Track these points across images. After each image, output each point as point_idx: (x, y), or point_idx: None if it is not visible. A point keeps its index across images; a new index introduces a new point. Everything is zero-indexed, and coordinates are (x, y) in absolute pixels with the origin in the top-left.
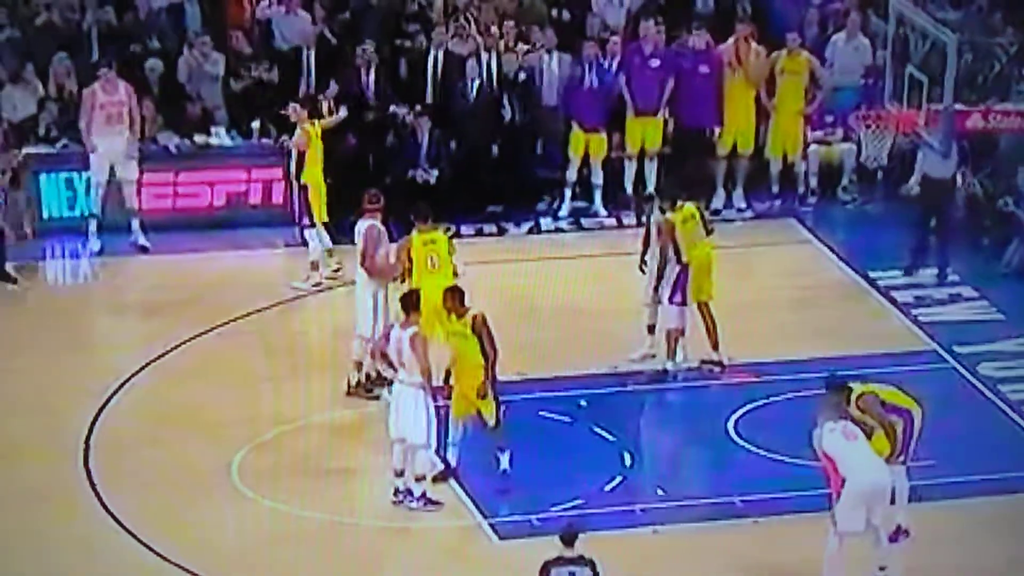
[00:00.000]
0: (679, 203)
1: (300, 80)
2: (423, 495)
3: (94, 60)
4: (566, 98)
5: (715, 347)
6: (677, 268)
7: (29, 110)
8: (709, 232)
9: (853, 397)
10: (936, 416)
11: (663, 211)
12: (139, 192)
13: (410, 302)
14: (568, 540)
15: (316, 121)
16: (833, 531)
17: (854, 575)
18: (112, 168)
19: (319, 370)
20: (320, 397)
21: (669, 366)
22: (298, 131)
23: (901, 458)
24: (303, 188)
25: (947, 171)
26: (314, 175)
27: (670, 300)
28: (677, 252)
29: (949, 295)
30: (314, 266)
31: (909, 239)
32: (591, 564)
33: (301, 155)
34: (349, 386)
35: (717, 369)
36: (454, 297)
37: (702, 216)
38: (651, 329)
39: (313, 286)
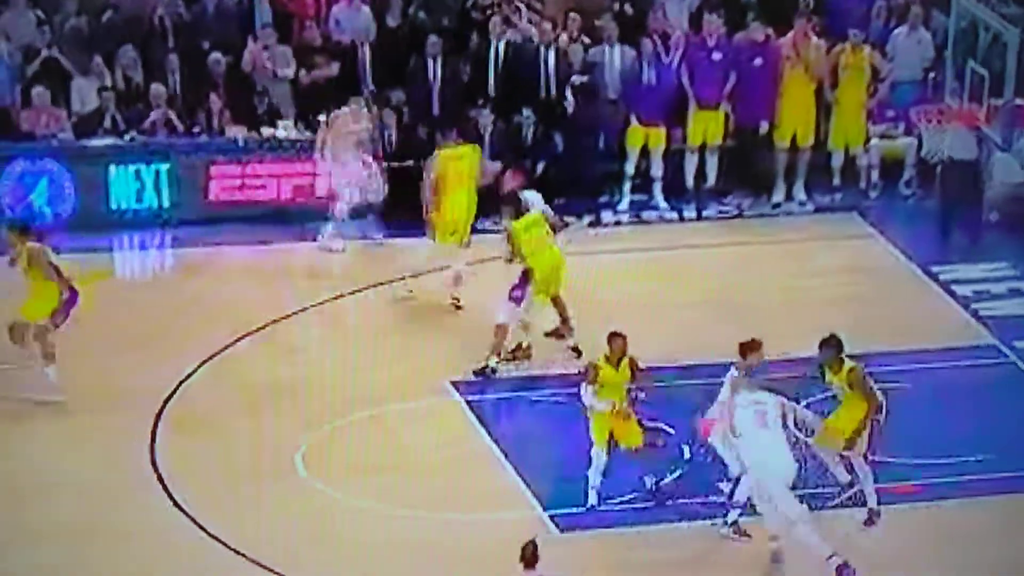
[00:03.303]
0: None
1: (359, 75)
2: (735, 523)
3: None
4: (625, 92)
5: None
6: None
7: (97, 102)
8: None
9: (845, 368)
10: (995, 411)
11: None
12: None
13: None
14: (529, 561)
15: (448, 145)
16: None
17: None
18: None
19: (385, 362)
20: (388, 387)
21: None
22: (433, 157)
23: (865, 448)
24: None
25: (971, 153)
26: (448, 200)
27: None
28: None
29: (1008, 290)
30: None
31: (942, 228)
32: None
33: (436, 180)
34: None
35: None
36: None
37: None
38: None
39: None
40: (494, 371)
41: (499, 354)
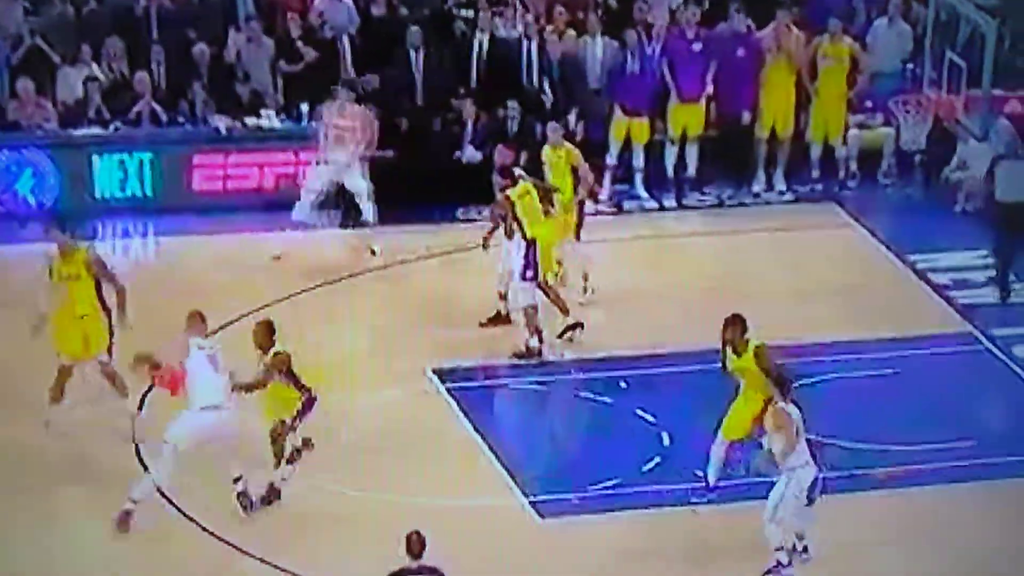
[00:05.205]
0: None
1: (339, 66)
2: None
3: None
4: (609, 83)
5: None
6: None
7: (82, 92)
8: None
9: (752, 344)
10: (974, 398)
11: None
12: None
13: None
14: (414, 551)
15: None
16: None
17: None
18: None
19: (366, 350)
20: (369, 377)
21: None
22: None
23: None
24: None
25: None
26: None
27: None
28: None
29: (986, 278)
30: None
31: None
32: (437, 574)
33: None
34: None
35: (578, 331)
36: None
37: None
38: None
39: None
40: (540, 352)
41: (538, 334)
